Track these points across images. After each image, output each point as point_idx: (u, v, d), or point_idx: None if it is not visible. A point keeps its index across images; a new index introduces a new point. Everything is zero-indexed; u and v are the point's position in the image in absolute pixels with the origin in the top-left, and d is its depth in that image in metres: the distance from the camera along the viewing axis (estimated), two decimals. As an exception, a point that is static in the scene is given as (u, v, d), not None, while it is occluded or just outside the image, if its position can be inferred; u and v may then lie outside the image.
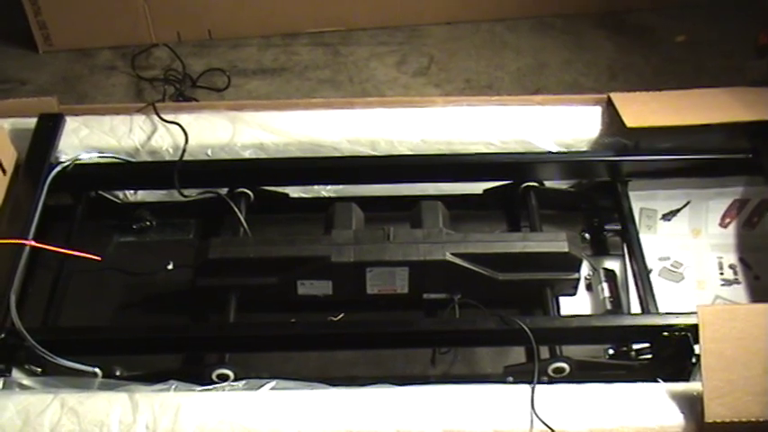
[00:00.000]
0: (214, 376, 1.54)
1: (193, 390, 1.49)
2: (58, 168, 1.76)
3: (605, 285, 1.76)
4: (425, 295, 1.67)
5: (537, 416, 1.40)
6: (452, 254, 1.61)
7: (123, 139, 1.84)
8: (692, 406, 1.41)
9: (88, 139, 1.84)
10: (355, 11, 2.87)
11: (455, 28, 2.91)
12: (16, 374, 1.55)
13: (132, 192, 1.89)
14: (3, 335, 1.51)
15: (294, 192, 1.87)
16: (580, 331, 1.58)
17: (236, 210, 1.77)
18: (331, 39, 2.89)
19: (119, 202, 1.88)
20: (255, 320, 1.68)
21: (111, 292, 1.76)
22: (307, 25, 2.89)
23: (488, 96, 1.96)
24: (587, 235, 1.83)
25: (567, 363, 1.54)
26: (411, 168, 1.84)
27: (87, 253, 1.69)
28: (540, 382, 1.47)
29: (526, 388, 1.45)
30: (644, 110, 1.83)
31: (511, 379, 1.56)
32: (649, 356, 1.59)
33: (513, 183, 1.84)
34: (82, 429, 1.41)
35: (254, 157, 1.84)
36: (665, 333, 1.53)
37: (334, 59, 2.83)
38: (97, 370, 1.53)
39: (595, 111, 1.88)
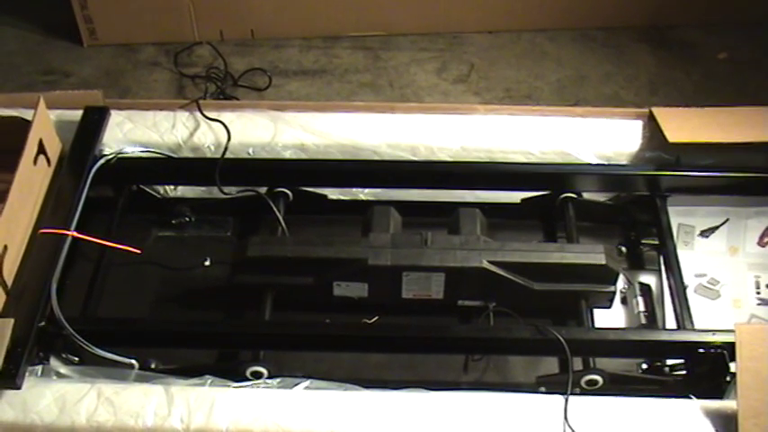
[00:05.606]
0: (248, 373, 1.55)
1: (228, 385, 1.50)
2: (102, 161, 1.78)
3: (640, 299, 1.75)
4: (460, 302, 1.68)
5: (570, 427, 1.40)
6: (489, 261, 1.61)
7: (166, 135, 1.86)
8: (725, 424, 1.41)
9: (132, 133, 1.86)
10: (397, 16, 2.88)
11: (496, 37, 2.91)
12: (54, 363, 1.56)
13: (172, 187, 1.90)
14: (43, 323, 1.53)
15: (333, 194, 1.88)
16: (615, 344, 1.58)
17: (275, 209, 1.78)
18: (372, 43, 2.90)
19: (159, 196, 1.89)
20: (291, 319, 1.69)
21: (148, 285, 1.77)
22: (348, 29, 2.90)
23: (529, 106, 1.96)
24: (624, 248, 1.83)
25: (600, 375, 1.54)
26: (450, 175, 1.84)
27: (127, 245, 1.71)
28: (572, 394, 1.47)
29: (559, 399, 1.45)
30: (686, 125, 1.82)
31: (543, 389, 1.56)
32: (683, 372, 1.59)
33: (552, 193, 1.83)
34: (117, 419, 1.43)
35: (294, 157, 1.85)
36: (701, 350, 1.52)
37: (375, 64, 2.83)
38: (134, 361, 1.55)
39: (636, 124, 1.88)
